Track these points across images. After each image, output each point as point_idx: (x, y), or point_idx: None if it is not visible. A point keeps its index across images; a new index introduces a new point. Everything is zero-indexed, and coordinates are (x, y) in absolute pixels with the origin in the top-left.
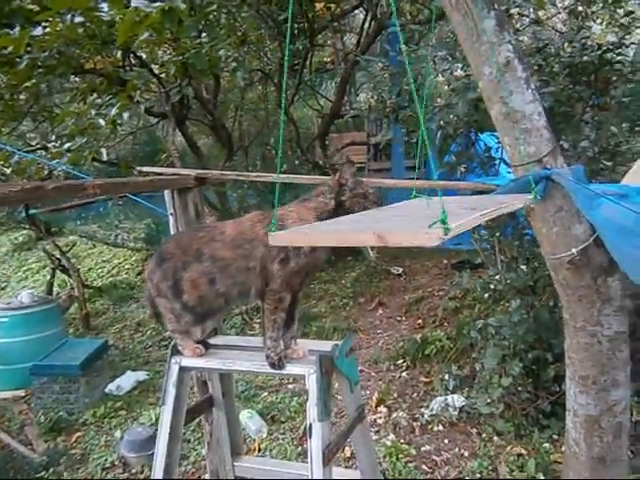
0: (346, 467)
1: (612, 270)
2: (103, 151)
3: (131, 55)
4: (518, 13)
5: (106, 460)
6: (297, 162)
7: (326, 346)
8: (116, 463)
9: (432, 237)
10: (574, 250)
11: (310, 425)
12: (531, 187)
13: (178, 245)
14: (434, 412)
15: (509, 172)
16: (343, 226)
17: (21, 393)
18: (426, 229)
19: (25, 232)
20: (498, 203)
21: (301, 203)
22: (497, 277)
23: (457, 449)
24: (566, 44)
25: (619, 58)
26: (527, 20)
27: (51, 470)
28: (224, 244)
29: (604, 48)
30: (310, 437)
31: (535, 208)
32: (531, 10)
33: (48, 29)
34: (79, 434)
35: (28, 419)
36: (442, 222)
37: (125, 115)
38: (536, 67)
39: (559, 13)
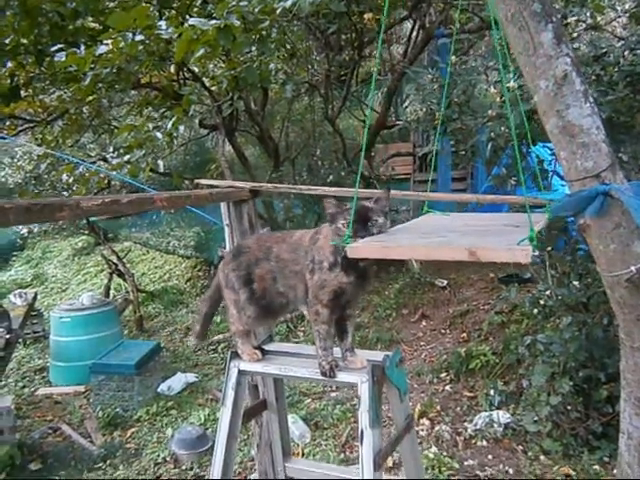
0: (390, 476)
1: None
2: (160, 163)
3: (185, 69)
4: (576, 20)
5: (158, 456)
6: (343, 173)
7: (377, 356)
8: (167, 459)
9: (527, 254)
10: (633, 268)
11: (362, 432)
12: (588, 203)
13: (257, 242)
14: (478, 427)
15: (562, 185)
16: (423, 240)
17: (81, 389)
18: (519, 246)
19: (84, 238)
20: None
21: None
22: (547, 292)
23: (501, 466)
24: (627, 52)
25: None
26: (584, 26)
27: (108, 462)
28: (288, 246)
29: None
30: (361, 444)
31: (591, 224)
32: (588, 15)
33: (111, 46)
34: (133, 430)
35: (87, 413)
36: (530, 239)
37: (181, 128)
38: (594, 77)
39: (619, 17)
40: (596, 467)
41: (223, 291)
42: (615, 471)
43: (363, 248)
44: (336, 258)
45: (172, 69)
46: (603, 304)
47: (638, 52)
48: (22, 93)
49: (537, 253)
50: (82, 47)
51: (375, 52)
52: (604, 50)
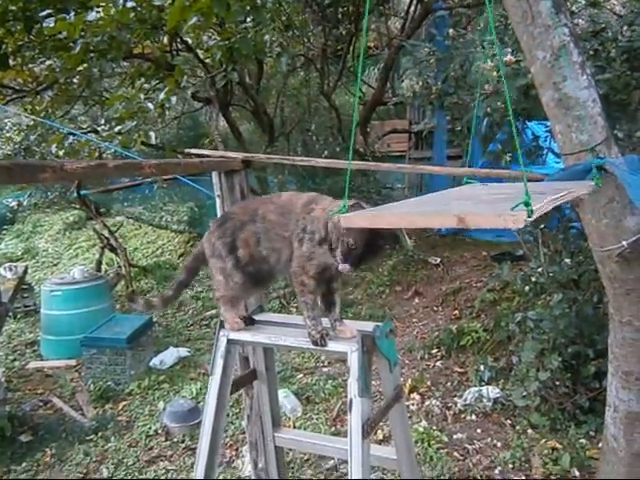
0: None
1: None
2: (152, 134)
3: (178, 40)
4: None
5: (150, 428)
6: (338, 149)
7: (367, 327)
8: (159, 432)
9: (517, 219)
10: (624, 243)
11: (351, 400)
12: (582, 177)
13: (243, 207)
14: (468, 402)
15: (557, 162)
16: (415, 208)
17: (73, 362)
18: (510, 211)
19: (76, 212)
20: (556, 190)
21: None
22: (539, 270)
23: (490, 439)
24: (625, 27)
25: None
26: (583, 2)
27: (99, 434)
28: (275, 207)
29: None
30: (350, 412)
31: (585, 199)
32: None
33: (101, 14)
34: (125, 403)
35: (79, 387)
36: (525, 204)
37: (173, 99)
38: (592, 52)
39: None
40: (582, 440)
41: (209, 260)
42: (601, 444)
43: (355, 217)
44: (327, 234)
45: (165, 40)
46: (594, 281)
47: (636, 28)
48: (10, 62)
49: (532, 218)
50: (72, 13)
51: (372, 25)
52: (603, 25)
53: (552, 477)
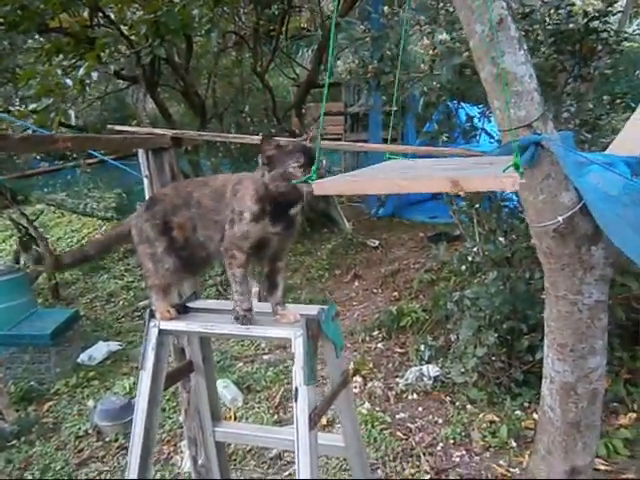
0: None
1: (596, 238)
2: (71, 113)
3: (99, 14)
4: None
5: (79, 429)
6: (273, 130)
7: (311, 310)
8: (90, 432)
9: (514, 181)
10: (560, 218)
11: (296, 389)
12: (520, 153)
13: (175, 188)
14: (409, 381)
15: (491, 142)
16: (399, 174)
17: None
18: (504, 174)
19: None
20: (493, 162)
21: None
22: (475, 249)
23: (431, 416)
24: (552, 10)
25: (604, 27)
26: None
27: (23, 439)
28: (210, 191)
29: (590, 16)
30: (296, 401)
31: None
32: None
33: None
34: (51, 403)
35: None
36: (515, 167)
37: (94, 75)
38: (523, 33)
39: None
40: (518, 412)
41: (137, 247)
42: (536, 415)
43: (330, 184)
44: (262, 208)
45: (86, 14)
46: (525, 259)
47: (562, 12)
48: None
49: (524, 181)
50: None
51: (304, 6)
52: (532, 8)
53: (491, 449)
